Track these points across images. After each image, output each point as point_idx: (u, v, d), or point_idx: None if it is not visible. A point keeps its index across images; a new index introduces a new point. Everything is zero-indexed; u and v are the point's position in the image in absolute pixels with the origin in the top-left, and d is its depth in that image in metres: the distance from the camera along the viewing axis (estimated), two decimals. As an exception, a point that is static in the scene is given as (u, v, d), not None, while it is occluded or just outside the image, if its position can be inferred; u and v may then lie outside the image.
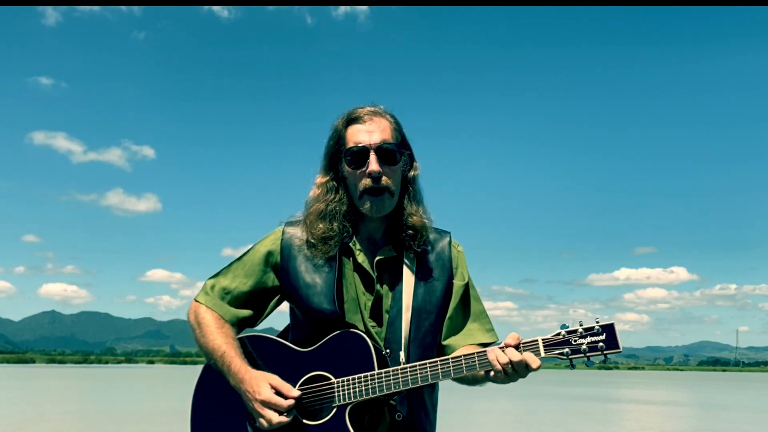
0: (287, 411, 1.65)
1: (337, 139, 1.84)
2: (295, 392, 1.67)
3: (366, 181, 1.77)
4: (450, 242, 1.92)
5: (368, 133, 1.79)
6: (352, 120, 1.83)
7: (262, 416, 1.66)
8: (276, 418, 1.65)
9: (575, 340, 1.61)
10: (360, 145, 1.78)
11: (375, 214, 1.80)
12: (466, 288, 1.91)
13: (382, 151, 1.78)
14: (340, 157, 1.83)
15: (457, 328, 1.88)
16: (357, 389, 1.67)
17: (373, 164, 1.76)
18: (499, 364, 1.59)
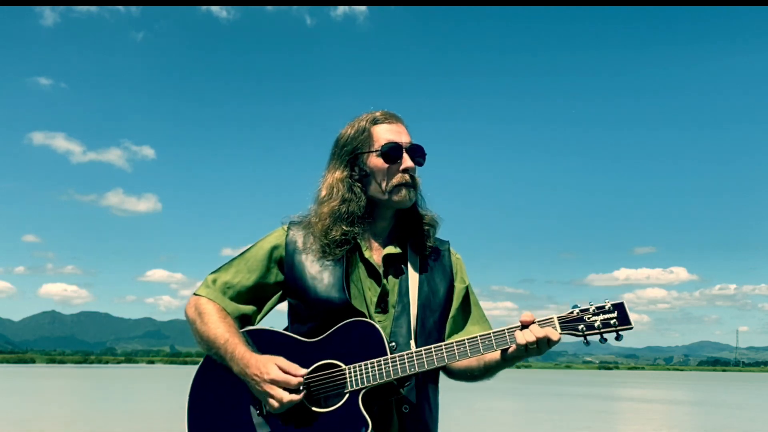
0: (296, 390, 1.65)
1: (364, 136, 1.88)
2: (303, 370, 1.67)
3: (402, 177, 1.84)
4: (449, 250, 1.98)
5: (399, 133, 1.88)
6: (378, 120, 1.90)
7: (272, 396, 1.66)
8: (286, 396, 1.64)
9: (589, 318, 1.64)
10: (394, 142, 1.85)
11: (409, 202, 1.86)
12: (467, 291, 1.97)
13: (413, 150, 1.87)
14: (362, 155, 1.87)
15: (458, 329, 1.92)
16: (371, 374, 1.67)
17: (408, 161, 1.85)
18: (527, 341, 1.62)
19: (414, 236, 1.90)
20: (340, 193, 1.85)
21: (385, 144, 1.85)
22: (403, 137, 1.87)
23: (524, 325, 1.65)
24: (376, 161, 1.85)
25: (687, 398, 33.91)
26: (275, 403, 1.65)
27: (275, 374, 1.66)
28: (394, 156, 1.84)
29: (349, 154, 1.88)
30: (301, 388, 1.66)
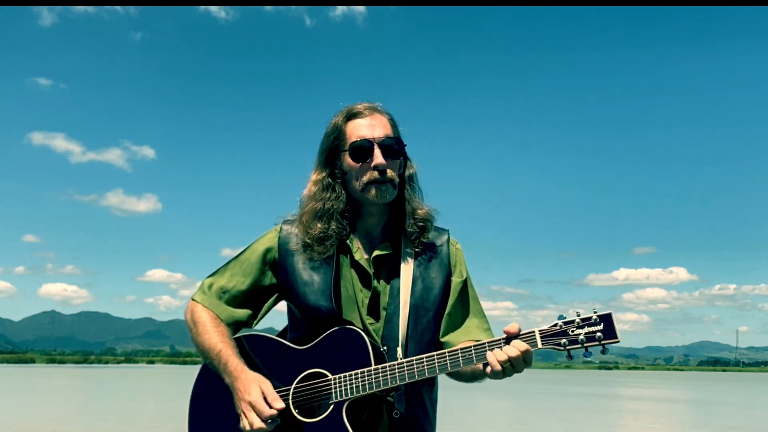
0: (268, 419, 1.64)
1: (337, 134, 1.84)
2: (280, 404, 1.66)
3: (371, 174, 1.78)
4: (448, 240, 1.92)
5: (371, 127, 1.82)
6: (352, 115, 1.85)
7: (246, 417, 1.67)
8: (257, 423, 1.64)
9: (572, 331, 1.59)
10: (364, 138, 1.80)
11: (380, 200, 1.80)
12: (465, 285, 1.91)
13: (386, 145, 1.81)
14: (339, 153, 1.84)
15: (455, 325, 1.87)
16: (354, 385, 1.67)
17: (379, 157, 1.78)
18: (498, 362, 1.58)
19: (407, 232, 1.85)
20: (317, 193, 1.84)
21: (353, 142, 1.81)
22: (376, 131, 1.81)
23: (509, 337, 1.61)
24: (348, 160, 1.82)
25: (687, 398, 33.90)
26: (246, 426, 1.66)
27: (254, 398, 1.66)
28: (363, 153, 1.79)
29: (326, 154, 1.86)
30: (274, 420, 1.65)
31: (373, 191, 1.79)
